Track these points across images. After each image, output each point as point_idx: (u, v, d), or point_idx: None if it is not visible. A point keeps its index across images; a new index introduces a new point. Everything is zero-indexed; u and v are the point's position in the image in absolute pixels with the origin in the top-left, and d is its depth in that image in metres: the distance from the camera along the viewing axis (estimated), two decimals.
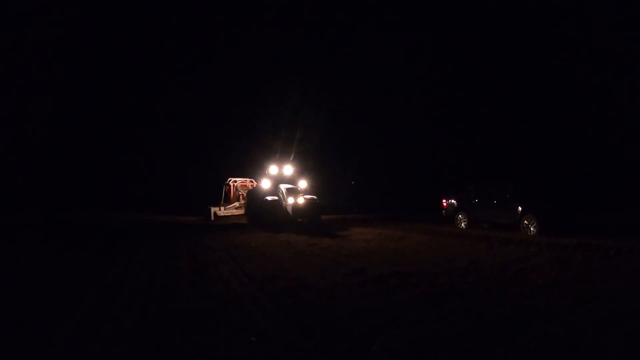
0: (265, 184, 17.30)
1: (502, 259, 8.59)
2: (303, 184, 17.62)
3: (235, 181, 22.66)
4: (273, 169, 17.91)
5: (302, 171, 18.60)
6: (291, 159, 18.75)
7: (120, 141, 38.23)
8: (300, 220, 15.72)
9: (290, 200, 15.65)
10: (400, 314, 4.85)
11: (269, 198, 16.08)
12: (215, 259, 9.07)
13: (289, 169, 18.26)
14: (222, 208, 21.35)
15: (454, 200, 14.79)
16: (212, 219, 20.45)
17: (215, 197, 22.70)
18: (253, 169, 22.24)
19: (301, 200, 15.63)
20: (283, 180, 17.55)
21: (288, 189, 16.34)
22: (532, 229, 12.02)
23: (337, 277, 6.92)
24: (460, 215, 14.35)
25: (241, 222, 18.77)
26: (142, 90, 43.32)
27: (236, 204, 21.87)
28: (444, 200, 15.25)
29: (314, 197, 16.29)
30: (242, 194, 22.04)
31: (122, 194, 30.93)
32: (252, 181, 22.56)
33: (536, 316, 4.82)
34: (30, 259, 9.22)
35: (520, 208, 12.44)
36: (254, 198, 17.84)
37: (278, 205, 15.88)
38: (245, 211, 19.62)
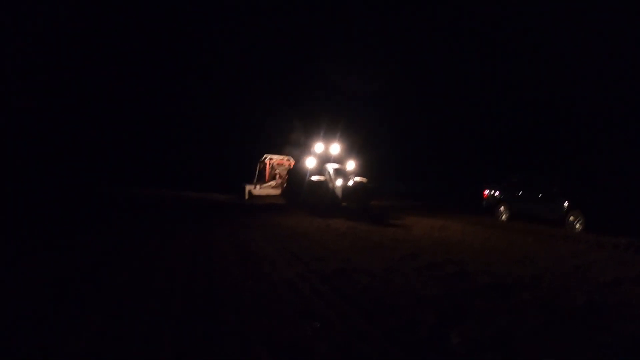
0: (310, 162, 16.07)
1: (554, 254, 8.20)
2: (351, 164, 16.35)
3: (272, 158, 21.45)
4: (319, 147, 16.70)
5: (350, 150, 17.25)
6: (338, 136, 17.40)
7: (147, 114, 37.50)
8: (344, 204, 14.49)
9: (339, 182, 14.49)
10: (468, 305, 4.55)
11: (315, 178, 14.94)
12: (256, 237, 8.80)
13: (335, 148, 16.96)
14: (258, 186, 20.19)
15: (496, 191, 14.34)
16: (247, 197, 19.41)
17: (248, 174, 21.54)
18: (292, 146, 21.43)
19: (351, 182, 14.52)
20: (329, 159, 16.34)
21: (336, 170, 15.20)
22: (577, 225, 11.56)
23: (388, 261, 6.60)
24: (501, 207, 13.89)
25: (277, 203, 18.01)
26: (173, 58, 42.53)
27: (272, 182, 20.75)
28: (485, 191, 14.82)
29: (364, 179, 15.05)
30: (279, 173, 20.99)
31: (145, 169, 30.09)
32: (289, 159, 21.46)
33: (611, 313, 4.49)
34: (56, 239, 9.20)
35: (566, 203, 11.97)
36: (296, 177, 16.70)
37: (325, 186, 14.72)
38: (284, 191, 18.69)
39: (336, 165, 15.54)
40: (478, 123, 31.86)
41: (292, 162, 21.06)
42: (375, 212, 14.17)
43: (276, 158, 21.58)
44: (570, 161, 22.10)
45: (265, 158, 21.31)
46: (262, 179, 20.93)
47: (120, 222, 10.94)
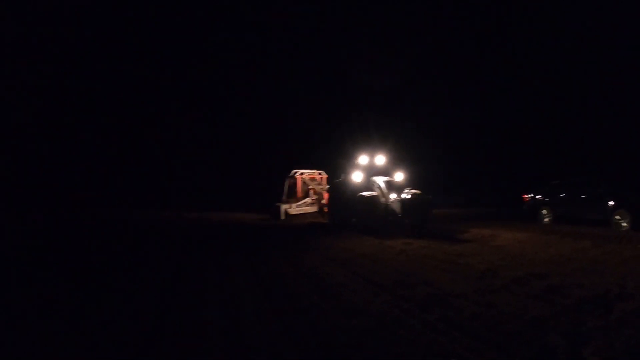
0: (357, 176, 14.91)
1: (619, 257, 8.20)
2: (399, 176, 15.09)
3: (302, 173, 20.08)
4: (363, 159, 15.52)
5: (396, 161, 15.96)
6: (384, 146, 16.16)
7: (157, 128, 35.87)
8: (394, 218, 13.35)
9: (393, 196, 13.43)
10: (581, 322, 4.60)
11: (366, 194, 13.71)
12: (317, 263, 8.57)
13: (380, 159, 15.80)
14: (294, 205, 18.78)
15: (539, 195, 14.36)
16: (283, 217, 18.06)
17: (271, 191, 20.41)
18: (320, 158, 20.37)
19: (408, 195, 13.21)
20: (374, 172, 15.31)
21: (388, 183, 14.18)
22: (624, 224, 11.67)
23: (470, 280, 6.57)
24: (544, 211, 13.93)
25: (317, 221, 17.17)
26: (194, 65, 41.32)
27: (307, 199, 19.33)
28: (525, 195, 14.86)
29: (418, 191, 13.74)
30: (313, 189, 19.69)
31: (155, 189, 28.56)
32: (320, 173, 20.45)
33: None
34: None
35: (611, 203, 12.05)
36: (341, 193, 15.39)
37: (377, 201, 13.57)
38: (322, 207, 17.39)
39: (385, 178, 14.68)
40: (512, 128, 31.47)
41: (325, 176, 20.23)
42: (429, 226, 13.56)
43: (307, 173, 20.34)
44: (609, 161, 21.99)
45: (295, 173, 20.03)
46: (293, 196, 19.66)
47: (160, 259, 9.62)
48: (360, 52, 41.87)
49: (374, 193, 13.92)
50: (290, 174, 20.22)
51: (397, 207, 13.28)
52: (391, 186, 14.04)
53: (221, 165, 32.83)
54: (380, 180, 14.35)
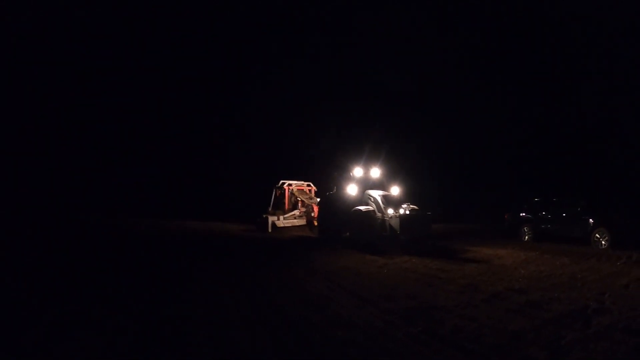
0: (352, 190, 14.37)
1: (597, 273, 8.35)
2: (395, 190, 14.56)
3: (290, 185, 19.46)
4: (358, 171, 14.88)
5: (392, 174, 15.41)
6: (379, 159, 15.58)
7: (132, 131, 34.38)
8: (391, 234, 12.74)
9: (391, 211, 12.77)
10: (561, 335, 4.70)
11: (363, 208, 13.19)
12: (300, 275, 8.65)
13: (375, 172, 15.23)
14: (282, 217, 18.27)
15: (520, 212, 14.56)
16: (270, 230, 17.51)
17: (261, 201, 19.58)
18: (309, 169, 20.13)
19: (407, 211, 12.82)
20: (369, 185, 14.73)
21: (384, 197, 13.50)
22: (603, 242, 11.88)
23: (452, 294, 6.63)
24: (525, 228, 14.12)
25: (305, 235, 16.82)
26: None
27: (296, 212, 18.87)
28: (506, 213, 15.06)
29: (416, 206, 13.35)
30: (301, 200, 19.10)
31: (127, 196, 26.98)
32: (309, 185, 19.99)
33: None
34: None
35: (591, 221, 12.29)
36: (333, 206, 14.84)
37: (373, 216, 12.95)
38: (318, 221, 16.48)
39: (382, 192, 14.03)
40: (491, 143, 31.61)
41: (313, 188, 19.93)
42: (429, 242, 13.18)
43: (295, 184, 19.76)
44: (589, 179, 22.34)
45: (283, 184, 19.41)
46: (281, 208, 19.15)
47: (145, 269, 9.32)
48: (356, 62, 42.02)
49: (370, 208, 13.39)
50: (278, 185, 19.68)
51: (395, 224, 12.65)
52: (388, 201, 13.40)
53: (207, 173, 31.90)
54: (376, 194, 13.72)
